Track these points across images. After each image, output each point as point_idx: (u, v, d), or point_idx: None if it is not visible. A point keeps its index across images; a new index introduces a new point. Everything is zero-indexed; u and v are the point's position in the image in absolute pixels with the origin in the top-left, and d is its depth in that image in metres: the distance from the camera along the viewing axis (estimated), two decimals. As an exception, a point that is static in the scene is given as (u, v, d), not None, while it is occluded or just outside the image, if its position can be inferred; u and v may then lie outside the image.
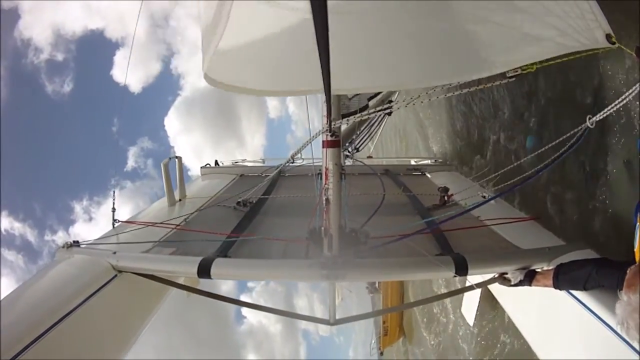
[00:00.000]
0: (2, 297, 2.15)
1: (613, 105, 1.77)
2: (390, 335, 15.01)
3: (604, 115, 1.82)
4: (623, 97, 1.76)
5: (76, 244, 2.77)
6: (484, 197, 3.70)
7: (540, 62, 1.60)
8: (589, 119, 1.88)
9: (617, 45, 1.54)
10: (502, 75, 1.64)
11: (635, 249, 1.74)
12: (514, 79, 1.64)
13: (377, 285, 15.53)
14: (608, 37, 1.53)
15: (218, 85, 1.75)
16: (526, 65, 1.59)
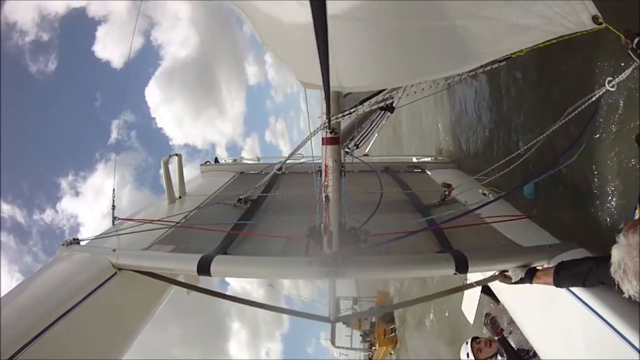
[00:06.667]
0: (2, 293, 2.16)
1: (629, 69, 1.78)
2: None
3: (623, 78, 1.83)
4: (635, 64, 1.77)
5: (76, 241, 2.77)
6: (485, 194, 3.69)
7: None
8: (609, 82, 1.89)
9: (604, 25, 1.55)
10: (493, 60, 1.68)
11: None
12: (504, 62, 1.70)
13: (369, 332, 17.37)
14: (594, 18, 1.54)
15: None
16: (515, 51, 1.64)
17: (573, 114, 2.30)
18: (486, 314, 3.13)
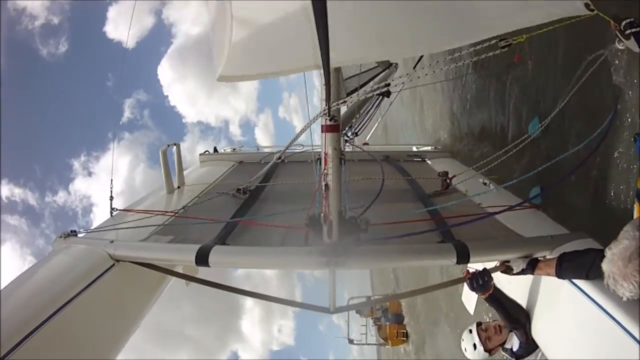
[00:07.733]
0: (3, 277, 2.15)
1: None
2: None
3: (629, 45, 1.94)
4: None
5: (73, 233, 2.75)
6: (486, 184, 3.66)
7: (529, 32, 1.81)
8: (618, 42, 1.98)
9: (595, 12, 1.74)
10: (495, 47, 1.78)
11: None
12: (506, 49, 1.78)
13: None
14: (586, 5, 1.72)
15: (232, 80, 1.78)
16: (516, 37, 1.78)
17: (583, 77, 2.34)
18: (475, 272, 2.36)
